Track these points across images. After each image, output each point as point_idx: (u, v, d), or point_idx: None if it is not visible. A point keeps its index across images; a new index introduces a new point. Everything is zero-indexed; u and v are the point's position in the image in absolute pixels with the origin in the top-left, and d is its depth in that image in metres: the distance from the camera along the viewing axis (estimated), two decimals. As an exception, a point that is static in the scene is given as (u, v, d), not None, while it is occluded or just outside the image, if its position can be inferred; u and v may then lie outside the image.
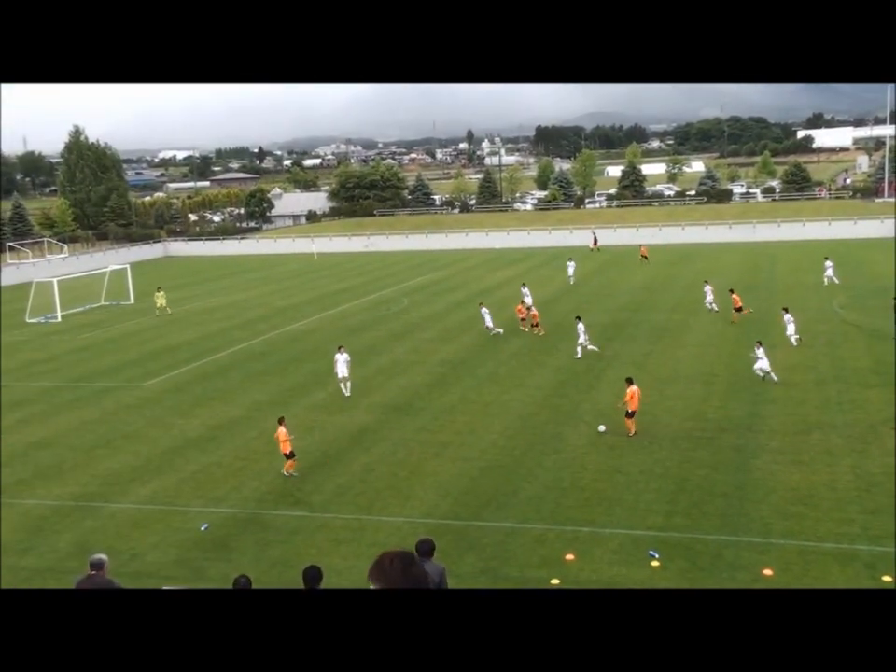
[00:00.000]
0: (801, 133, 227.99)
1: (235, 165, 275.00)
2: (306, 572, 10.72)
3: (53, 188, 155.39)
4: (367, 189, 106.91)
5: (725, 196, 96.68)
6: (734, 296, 38.30)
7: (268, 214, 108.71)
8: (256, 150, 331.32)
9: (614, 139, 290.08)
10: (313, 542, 18.23)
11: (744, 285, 46.14)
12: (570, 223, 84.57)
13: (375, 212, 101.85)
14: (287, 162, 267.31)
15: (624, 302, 45.24)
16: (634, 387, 23.64)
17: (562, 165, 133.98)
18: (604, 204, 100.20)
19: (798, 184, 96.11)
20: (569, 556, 16.82)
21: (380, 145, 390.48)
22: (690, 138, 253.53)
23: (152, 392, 31.78)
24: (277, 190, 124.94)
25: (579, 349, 32.82)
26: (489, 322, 37.95)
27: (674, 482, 20.37)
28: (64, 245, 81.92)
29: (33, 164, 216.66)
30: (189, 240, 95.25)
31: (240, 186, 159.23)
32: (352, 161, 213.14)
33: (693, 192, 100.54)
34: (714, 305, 40.37)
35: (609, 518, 18.54)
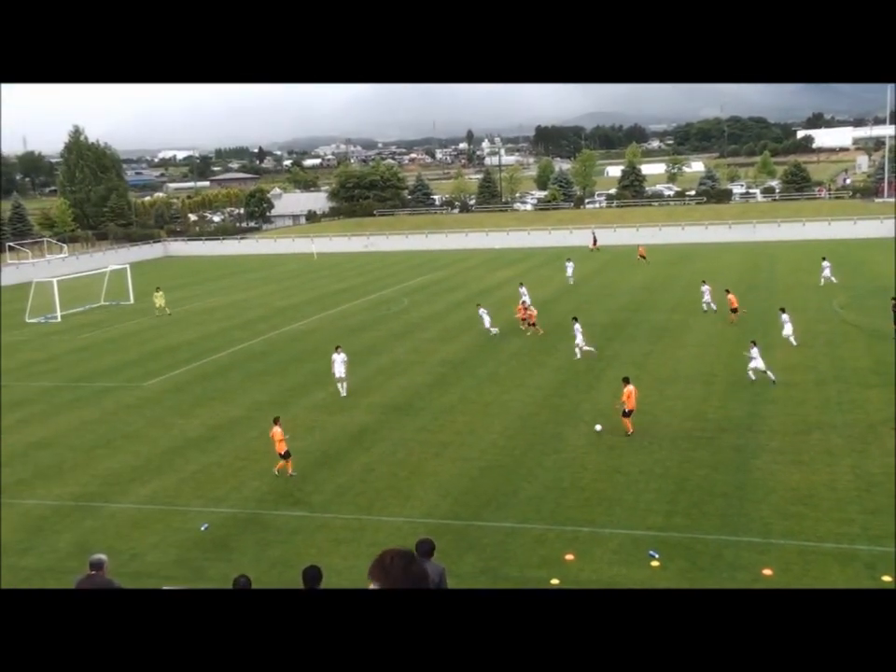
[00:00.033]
0: (801, 133, 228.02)
1: (235, 165, 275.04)
2: (306, 572, 10.71)
3: (53, 188, 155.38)
4: (367, 189, 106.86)
5: (725, 196, 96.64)
6: (729, 296, 38.30)
7: (268, 214, 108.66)
8: (256, 150, 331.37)
9: (614, 139, 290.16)
10: (313, 542, 18.23)
11: (744, 285, 46.18)
12: (570, 223, 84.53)
13: (375, 212, 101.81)
14: (287, 162, 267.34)
15: (624, 302, 45.23)
16: (630, 387, 23.72)
17: (562, 165, 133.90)
18: (604, 204, 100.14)
19: (798, 184, 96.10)
20: (569, 556, 16.82)
21: (380, 145, 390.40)
22: (690, 138, 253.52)
23: (152, 392, 31.78)
24: (277, 190, 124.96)
25: (577, 350, 32.82)
26: (487, 323, 37.99)
27: (674, 482, 20.37)
28: (64, 245, 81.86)
29: (32, 164, 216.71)
30: (188, 240, 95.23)
31: (240, 186, 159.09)
32: (352, 161, 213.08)
33: (692, 192, 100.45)
34: (712, 305, 40.37)
35: (609, 518, 18.54)
